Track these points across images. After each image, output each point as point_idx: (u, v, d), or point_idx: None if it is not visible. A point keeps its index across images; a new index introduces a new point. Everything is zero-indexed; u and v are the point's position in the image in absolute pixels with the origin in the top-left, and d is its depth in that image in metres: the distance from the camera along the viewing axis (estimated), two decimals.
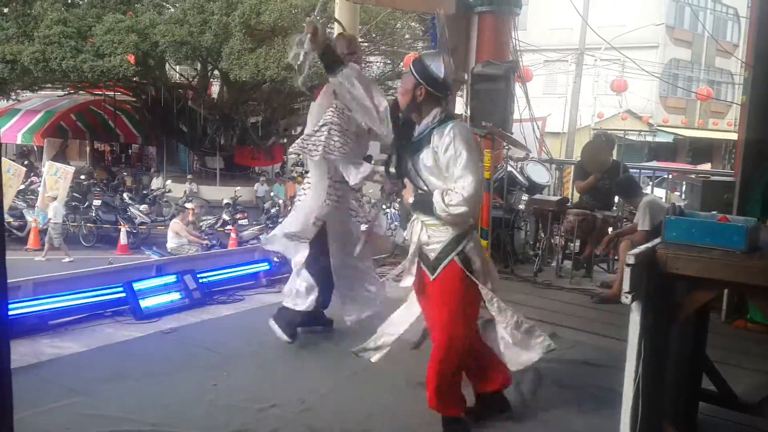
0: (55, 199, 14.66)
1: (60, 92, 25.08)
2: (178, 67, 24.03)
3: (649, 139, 30.64)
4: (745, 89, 5.72)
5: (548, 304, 5.62)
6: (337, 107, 4.08)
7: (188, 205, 16.15)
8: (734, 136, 8.59)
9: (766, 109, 5.35)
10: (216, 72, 22.23)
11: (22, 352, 3.99)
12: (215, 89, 24.73)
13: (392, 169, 3.33)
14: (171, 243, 13.90)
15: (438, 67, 3.12)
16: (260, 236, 12.57)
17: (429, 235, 3.22)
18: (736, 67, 28.02)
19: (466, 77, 7.11)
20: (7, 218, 14.68)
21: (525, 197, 7.44)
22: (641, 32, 26.16)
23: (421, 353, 4.38)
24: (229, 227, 16.34)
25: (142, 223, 16.42)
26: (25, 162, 23.40)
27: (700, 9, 31.27)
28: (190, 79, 24.46)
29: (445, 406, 3.29)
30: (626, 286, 2.40)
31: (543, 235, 7.16)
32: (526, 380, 3.98)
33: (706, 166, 25.06)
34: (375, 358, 3.56)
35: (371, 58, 22.57)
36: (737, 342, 4.75)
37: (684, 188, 8.86)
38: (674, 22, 31.54)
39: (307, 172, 4.61)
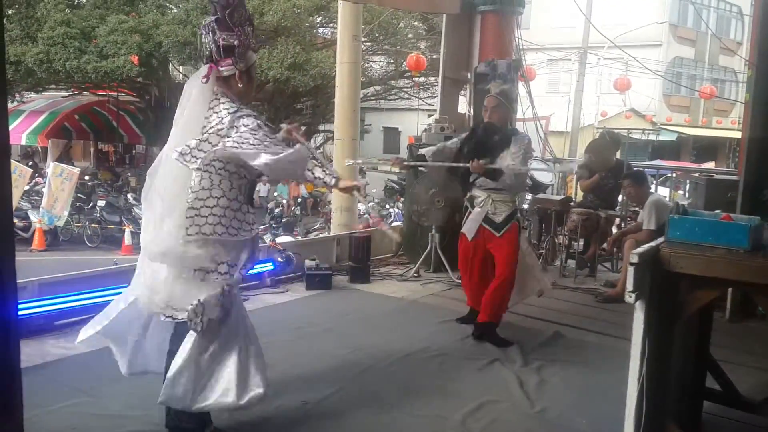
0: None
1: (64, 93, 25.16)
2: (181, 67, 24.06)
3: (653, 137, 30.56)
4: (748, 87, 5.72)
5: (552, 304, 5.63)
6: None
7: None
8: (738, 135, 8.57)
9: None
10: None
11: (29, 353, 4.00)
12: None
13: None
14: None
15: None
16: (264, 236, 12.58)
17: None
18: (740, 66, 27.97)
19: (469, 77, 7.13)
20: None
21: (529, 197, 7.45)
22: (644, 30, 26.10)
23: (417, 361, 4.41)
24: None
25: None
26: (30, 163, 23.46)
27: (703, 7, 31.15)
28: None
29: (498, 316, 4.69)
30: (630, 285, 2.40)
31: (546, 235, 7.16)
32: (530, 380, 3.99)
33: (710, 165, 24.99)
34: None
35: (374, 58, 22.57)
36: (741, 341, 4.75)
37: (688, 187, 8.85)
38: (678, 20, 31.45)
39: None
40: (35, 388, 3.46)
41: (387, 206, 18.33)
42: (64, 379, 3.77)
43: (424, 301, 5.74)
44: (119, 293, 4.92)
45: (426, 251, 6.63)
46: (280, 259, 6.09)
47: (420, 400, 3.69)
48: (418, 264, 6.60)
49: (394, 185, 21.73)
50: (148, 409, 3.41)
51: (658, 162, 21.06)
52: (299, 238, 12.27)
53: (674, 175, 12.77)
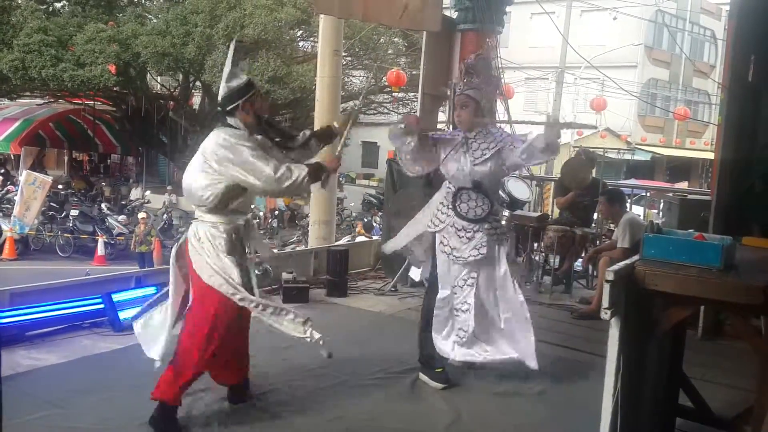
0: None
1: (39, 101, 24.88)
2: (159, 77, 23.95)
3: (628, 157, 31.01)
4: (721, 110, 5.82)
5: None
6: None
7: (140, 215, 15.86)
8: (711, 156, 8.72)
9: (741, 129, 5.44)
10: (198, 83, 22.18)
11: None
12: (197, 100, 24.66)
13: None
14: None
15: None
16: None
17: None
18: (713, 88, 28.50)
19: (448, 93, 7.18)
20: None
21: (505, 213, 7.49)
22: (620, 52, 26.54)
23: (393, 375, 4.39)
24: None
25: (119, 234, 16.25)
26: (2, 170, 23.15)
27: (678, 30, 31.81)
28: (172, 90, 24.38)
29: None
30: (605, 302, 2.43)
31: (523, 251, 7.21)
32: (505, 395, 4.00)
33: (684, 185, 25.42)
34: None
35: (355, 73, 22.67)
36: (714, 358, 4.81)
37: (662, 206, 8.98)
38: (653, 43, 32.05)
39: None
40: (4, 400, 3.38)
41: (365, 219, 18.33)
42: (34, 390, 3.70)
43: (401, 316, 5.74)
44: (96, 303, 4.88)
45: (404, 265, 6.63)
46: (257, 272, 6.04)
47: (394, 414, 3.69)
48: (395, 278, 6.60)
49: (372, 199, 21.73)
50: (120, 422, 3.36)
51: (632, 181, 21.36)
52: (276, 251, 12.19)
53: (648, 194, 12.94)
